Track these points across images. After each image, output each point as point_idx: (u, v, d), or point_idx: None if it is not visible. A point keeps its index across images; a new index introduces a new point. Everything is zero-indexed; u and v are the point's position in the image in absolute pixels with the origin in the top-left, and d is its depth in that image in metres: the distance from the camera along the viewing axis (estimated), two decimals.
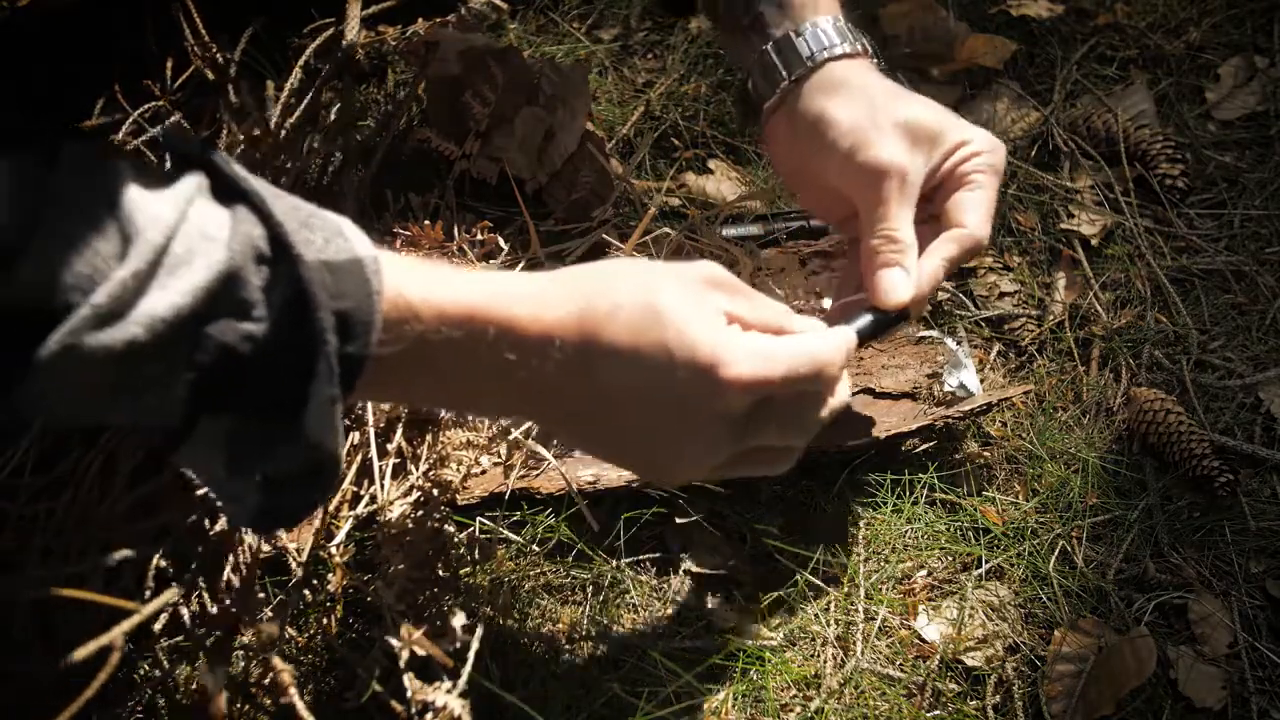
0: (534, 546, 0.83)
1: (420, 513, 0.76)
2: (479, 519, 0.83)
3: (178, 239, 0.49)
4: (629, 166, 1.11)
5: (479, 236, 0.90)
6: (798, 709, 0.79)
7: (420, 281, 0.56)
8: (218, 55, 0.86)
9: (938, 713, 0.79)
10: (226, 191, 0.52)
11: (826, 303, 0.95)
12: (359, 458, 0.79)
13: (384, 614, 0.69)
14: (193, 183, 0.51)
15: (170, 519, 0.71)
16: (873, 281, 0.76)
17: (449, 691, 0.65)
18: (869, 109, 0.78)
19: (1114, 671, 0.80)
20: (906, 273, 0.76)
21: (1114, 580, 0.86)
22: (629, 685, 0.79)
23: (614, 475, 0.84)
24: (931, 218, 0.79)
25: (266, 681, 0.69)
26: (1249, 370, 0.98)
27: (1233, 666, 0.82)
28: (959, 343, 0.95)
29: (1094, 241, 1.08)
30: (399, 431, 0.81)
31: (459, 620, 0.68)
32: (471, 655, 0.69)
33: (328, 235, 0.53)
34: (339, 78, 0.96)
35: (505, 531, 0.83)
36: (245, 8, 0.96)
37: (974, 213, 0.78)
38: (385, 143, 0.95)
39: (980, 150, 0.79)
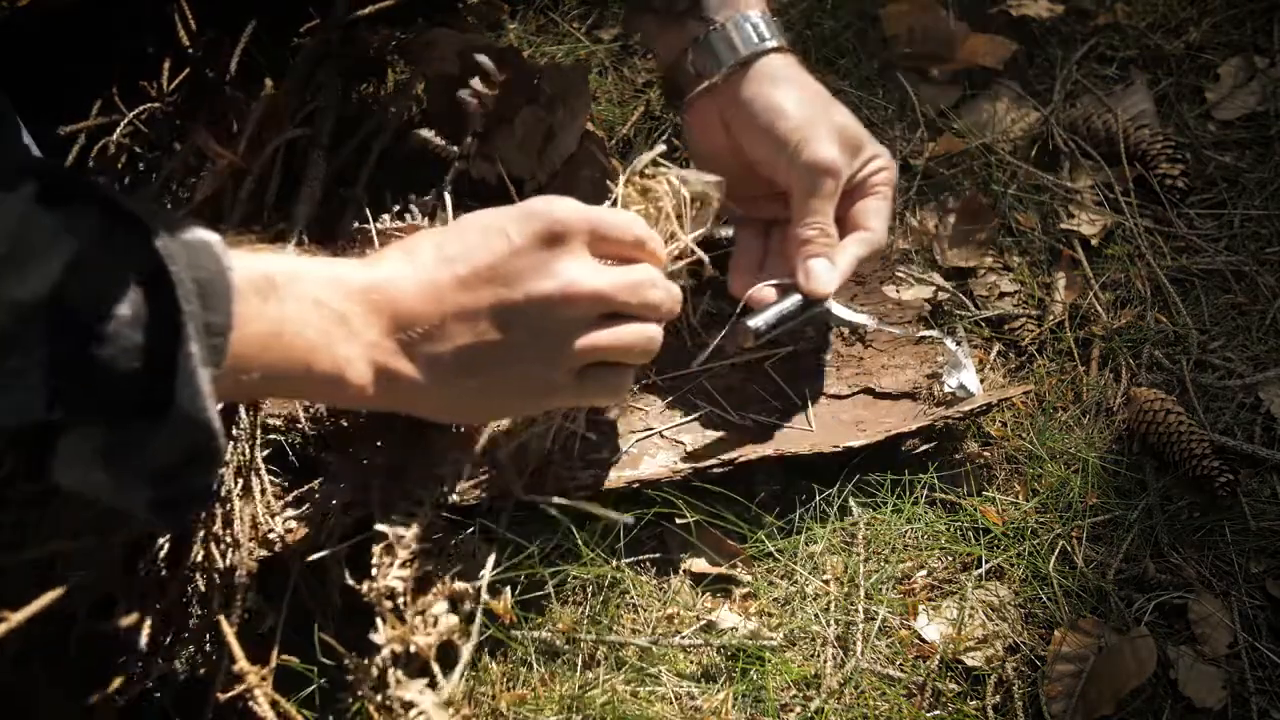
0: (534, 546, 0.83)
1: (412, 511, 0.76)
2: (479, 520, 0.83)
3: (24, 239, 0.49)
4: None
5: None
6: (798, 709, 0.79)
7: (268, 257, 0.60)
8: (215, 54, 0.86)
9: (938, 713, 0.79)
10: (64, 191, 0.52)
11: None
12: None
13: (377, 612, 0.70)
14: (31, 188, 0.51)
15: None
16: (804, 268, 0.84)
17: (422, 691, 0.66)
18: (812, 107, 0.84)
19: (1114, 671, 0.80)
20: (832, 265, 0.84)
21: (1114, 580, 0.86)
22: (629, 685, 0.79)
23: (613, 475, 0.84)
24: (838, 216, 0.86)
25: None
26: (1249, 370, 0.98)
27: (1233, 666, 0.82)
28: (959, 343, 0.94)
29: (1094, 241, 1.08)
30: (394, 434, 0.81)
31: (443, 614, 0.69)
32: (467, 653, 0.69)
33: (175, 220, 0.55)
34: (327, 59, 0.96)
35: (504, 531, 0.83)
36: (242, 7, 0.96)
37: (878, 218, 0.87)
38: (383, 142, 0.94)
39: (885, 165, 0.87)
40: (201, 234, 0.55)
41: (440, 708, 0.66)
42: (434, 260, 0.65)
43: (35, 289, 0.49)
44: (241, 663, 0.67)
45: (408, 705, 0.66)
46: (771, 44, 0.86)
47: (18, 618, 0.60)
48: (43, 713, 0.71)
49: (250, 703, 0.67)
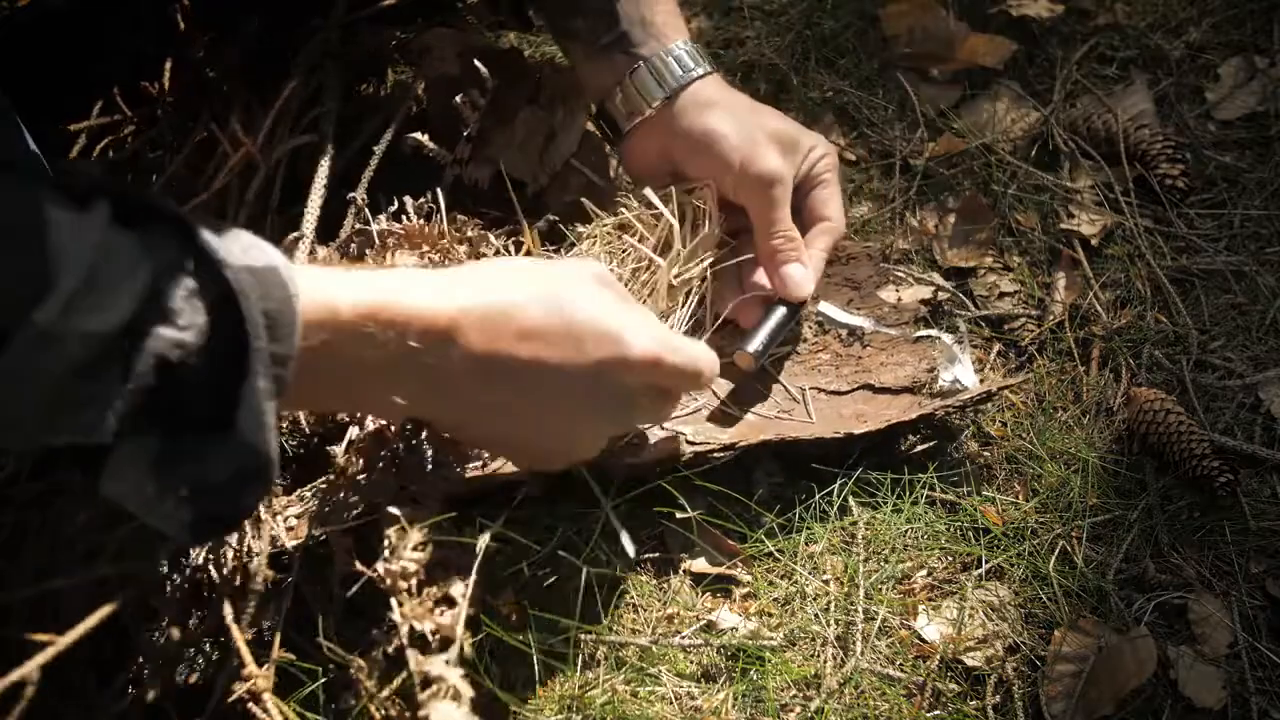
0: (534, 545, 0.83)
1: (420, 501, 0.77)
2: (479, 520, 0.83)
3: (104, 267, 0.49)
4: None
5: (469, 233, 0.90)
6: (798, 709, 0.79)
7: (333, 281, 0.60)
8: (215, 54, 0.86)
9: (938, 713, 0.79)
10: (138, 213, 0.53)
11: None
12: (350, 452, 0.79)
13: (387, 592, 0.70)
14: (106, 209, 0.51)
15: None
16: (780, 276, 0.88)
17: (447, 663, 0.66)
18: (745, 124, 0.88)
19: (1114, 671, 0.80)
20: (805, 267, 0.89)
21: (1114, 580, 0.86)
22: (629, 685, 0.79)
23: (613, 463, 0.84)
24: (793, 210, 0.90)
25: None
26: (1249, 370, 0.98)
27: (1233, 666, 0.82)
28: (958, 339, 0.95)
29: (1094, 241, 1.08)
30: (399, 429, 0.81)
31: (457, 589, 0.69)
32: (460, 621, 0.70)
33: (244, 245, 0.55)
34: (328, 59, 0.96)
35: (505, 531, 0.83)
36: (243, 7, 0.96)
37: (833, 206, 0.92)
38: (386, 145, 0.94)
39: (824, 152, 0.92)
40: (269, 257, 0.56)
41: (465, 680, 0.66)
42: (500, 331, 0.65)
43: (111, 321, 0.49)
44: (250, 667, 0.67)
45: (430, 680, 0.66)
46: (698, 72, 0.90)
47: (67, 640, 0.60)
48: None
49: (252, 705, 0.67)
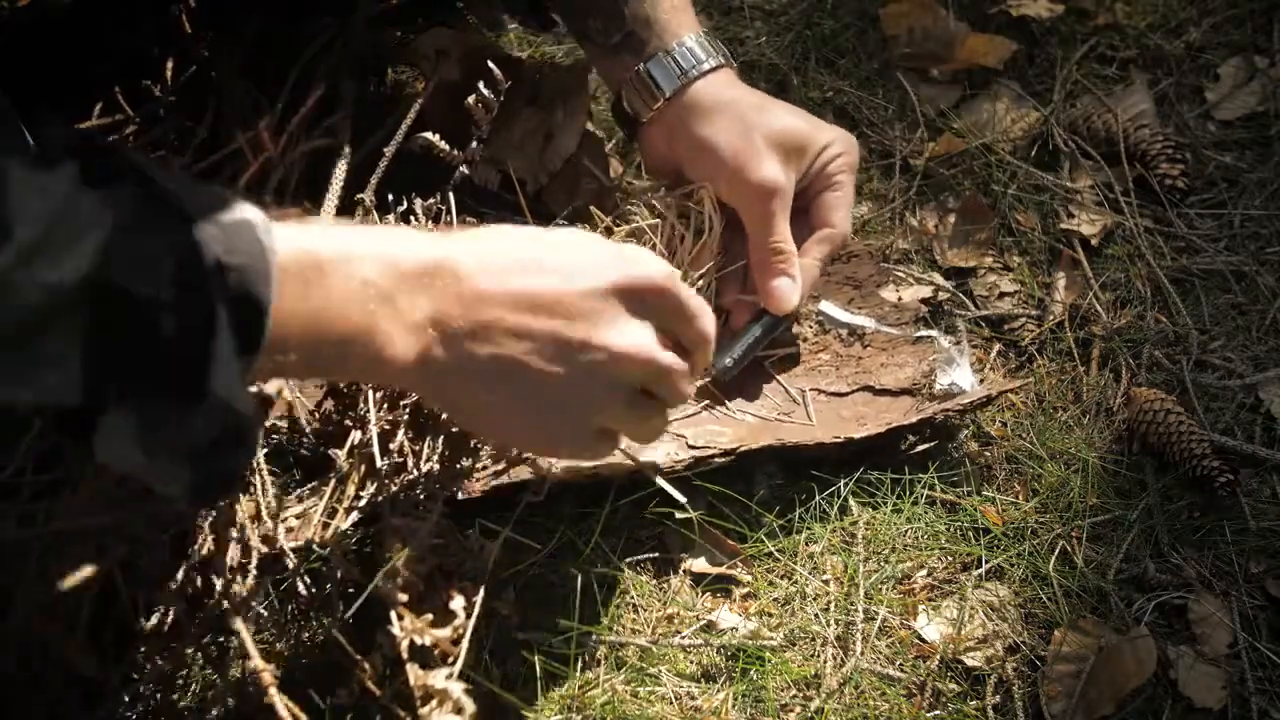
0: (534, 545, 0.83)
1: (421, 509, 0.77)
2: (479, 521, 0.83)
3: (62, 221, 0.48)
4: (629, 166, 1.12)
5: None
6: (798, 709, 0.79)
7: (316, 232, 0.57)
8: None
9: (938, 713, 0.79)
10: (106, 173, 0.51)
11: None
12: (355, 459, 0.79)
13: (386, 605, 0.69)
14: (73, 168, 0.50)
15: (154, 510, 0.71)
16: (767, 288, 0.87)
17: (449, 677, 0.65)
18: (743, 128, 0.86)
19: (1114, 671, 0.80)
20: (794, 280, 0.87)
21: (1114, 580, 0.86)
22: (629, 685, 0.79)
23: (614, 465, 0.84)
24: (799, 211, 0.88)
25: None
26: (1249, 370, 0.98)
27: (1233, 666, 0.82)
28: (956, 341, 0.95)
29: (1094, 241, 1.08)
30: (400, 432, 0.81)
31: (458, 603, 0.69)
32: (466, 636, 0.69)
33: (214, 200, 0.53)
34: (337, 60, 0.96)
35: (505, 531, 0.83)
36: (243, 6, 0.96)
37: (839, 212, 0.89)
38: (395, 145, 0.94)
39: (840, 151, 0.88)
40: (243, 212, 0.53)
41: (468, 696, 0.65)
42: (503, 266, 0.62)
43: (68, 272, 0.48)
44: (256, 659, 0.66)
45: (432, 695, 0.66)
46: (707, 65, 0.87)
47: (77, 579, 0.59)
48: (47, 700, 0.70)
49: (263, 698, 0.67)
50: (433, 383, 0.63)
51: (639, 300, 0.64)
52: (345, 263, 0.57)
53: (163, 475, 0.54)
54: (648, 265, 0.65)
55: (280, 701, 0.63)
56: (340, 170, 0.89)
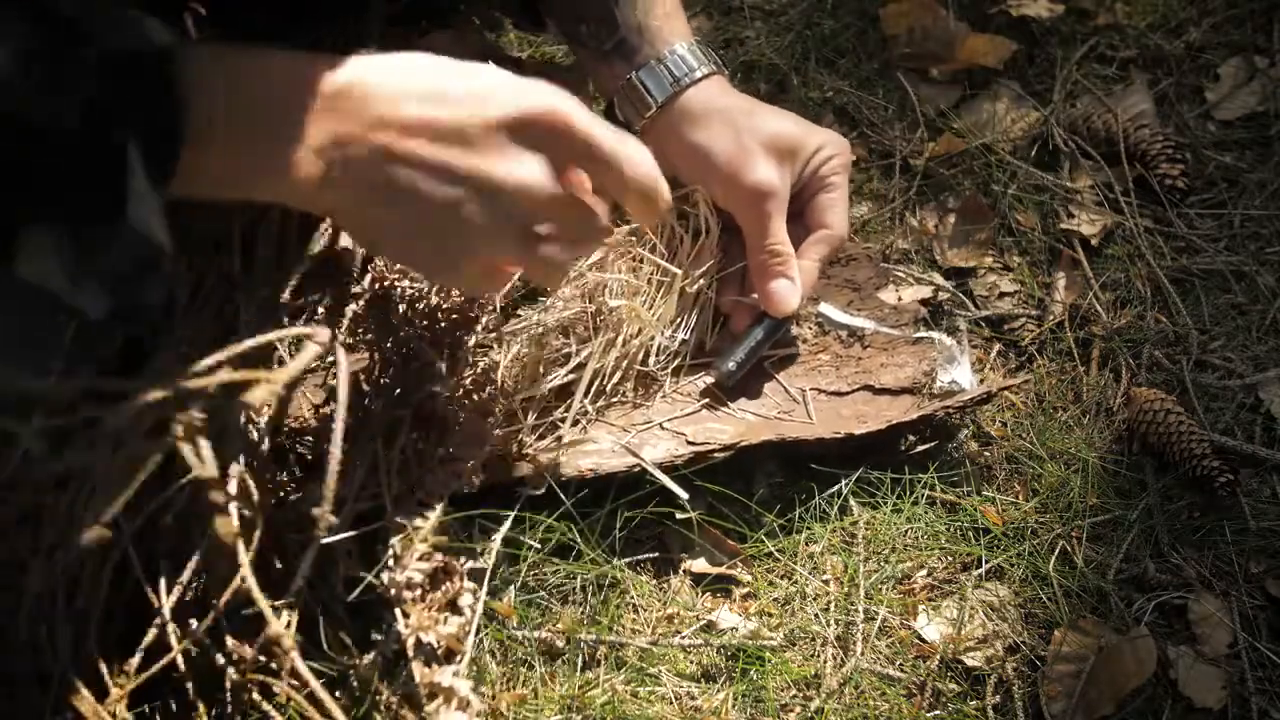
0: (534, 544, 0.83)
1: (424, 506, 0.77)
2: (479, 521, 0.83)
3: None
4: None
5: None
6: (798, 709, 0.79)
7: (230, 51, 0.58)
8: None
9: (938, 713, 0.79)
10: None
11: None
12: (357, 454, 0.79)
13: (391, 603, 0.70)
14: None
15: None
16: (766, 291, 0.88)
17: (455, 674, 0.65)
18: (736, 133, 0.86)
19: (1114, 671, 0.80)
20: (793, 281, 0.87)
21: (1114, 580, 0.86)
22: (629, 685, 0.79)
23: (615, 462, 0.84)
24: (794, 215, 0.89)
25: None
26: (1249, 370, 0.98)
27: (1233, 666, 0.82)
28: (956, 339, 0.95)
29: (1094, 241, 1.08)
30: (403, 431, 0.81)
31: (465, 599, 0.69)
32: (471, 633, 0.69)
33: (129, 23, 0.54)
34: None
35: (505, 531, 0.83)
36: (243, 6, 0.96)
37: (835, 213, 0.89)
38: None
39: (833, 153, 0.89)
40: (157, 37, 0.54)
41: (475, 693, 0.65)
42: (407, 92, 0.62)
43: None
44: (274, 625, 0.65)
45: (438, 692, 0.66)
46: (699, 73, 0.88)
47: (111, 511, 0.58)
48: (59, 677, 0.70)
49: (279, 670, 0.66)
50: (331, 201, 0.64)
51: (530, 134, 0.63)
52: (261, 76, 0.59)
53: (83, 298, 0.54)
54: (542, 97, 0.64)
55: (303, 666, 0.62)
56: None
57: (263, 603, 0.61)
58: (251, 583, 0.63)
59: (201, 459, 0.54)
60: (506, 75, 0.64)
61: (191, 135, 0.55)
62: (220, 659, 0.69)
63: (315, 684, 0.62)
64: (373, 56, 0.62)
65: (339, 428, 0.58)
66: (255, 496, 0.69)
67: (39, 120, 0.50)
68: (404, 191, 0.62)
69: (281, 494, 0.80)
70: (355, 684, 0.71)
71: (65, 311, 0.54)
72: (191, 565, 0.71)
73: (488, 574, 0.79)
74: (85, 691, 0.67)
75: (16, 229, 0.52)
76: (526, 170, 0.63)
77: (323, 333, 0.57)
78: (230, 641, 0.69)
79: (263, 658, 0.68)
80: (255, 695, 0.69)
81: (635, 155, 0.67)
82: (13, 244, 0.52)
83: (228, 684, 0.69)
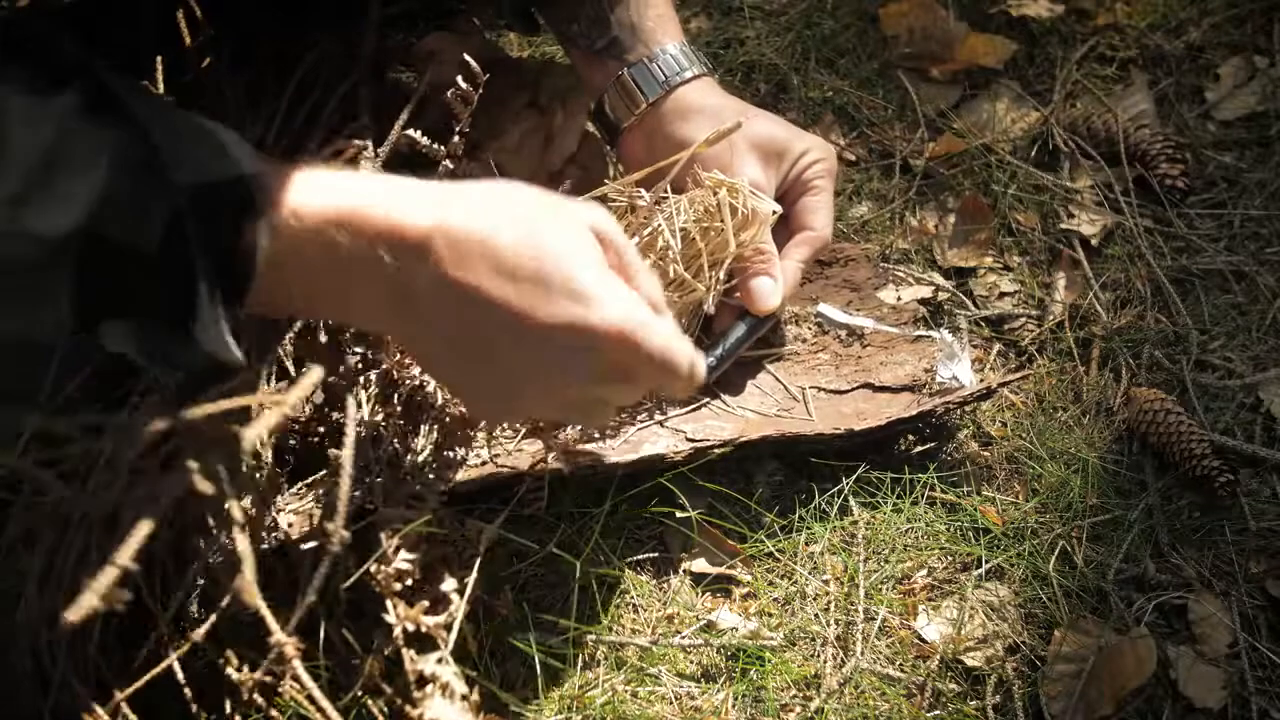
0: (533, 545, 0.83)
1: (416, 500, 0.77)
2: (475, 522, 0.83)
3: (56, 162, 0.49)
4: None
5: None
6: (798, 709, 0.79)
7: (306, 187, 0.58)
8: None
9: (938, 713, 0.79)
10: (106, 108, 0.52)
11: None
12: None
13: (382, 595, 0.70)
14: (72, 99, 0.51)
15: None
16: (748, 288, 0.87)
17: (440, 661, 0.66)
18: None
19: (1114, 671, 0.80)
20: (775, 280, 0.87)
21: (1114, 580, 0.86)
22: (629, 685, 0.79)
23: (614, 460, 0.84)
24: (779, 217, 0.89)
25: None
26: (1249, 370, 0.98)
27: (1233, 666, 0.82)
28: (956, 336, 0.95)
29: (1094, 241, 1.08)
30: (394, 424, 0.81)
31: (449, 584, 0.69)
32: (457, 622, 0.69)
33: (211, 152, 0.55)
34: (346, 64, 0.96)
35: (504, 532, 0.83)
36: (246, 6, 0.96)
37: (819, 215, 0.90)
38: (389, 144, 0.94)
39: (818, 158, 0.90)
40: (236, 166, 0.55)
41: (459, 678, 0.66)
42: (472, 259, 0.61)
43: (61, 225, 0.49)
44: (278, 634, 0.65)
45: (425, 680, 0.66)
46: (689, 73, 0.89)
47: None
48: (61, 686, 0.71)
49: (283, 678, 0.66)
50: (407, 338, 0.66)
51: (592, 350, 0.63)
52: (331, 228, 0.58)
53: (158, 375, 0.58)
54: (616, 312, 0.63)
55: (307, 677, 0.63)
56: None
57: (269, 616, 0.62)
58: (260, 605, 0.63)
59: (225, 494, 0.55)
60: (581, 261, 0.63)
61: (258, 273, 0.57)
62: (221, 663, 0.70)
63: (314, 688, 0.62)
64: (449, 212, 0.61)
65: (348, 454, 0.58)
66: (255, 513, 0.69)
67: (123, 239, 0.52)
68: (470, 341, 0.63)
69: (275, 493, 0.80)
70: (355, 683, 0.71)
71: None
72: (193, 568, 0.71)
73: (477, 562, 0.78)
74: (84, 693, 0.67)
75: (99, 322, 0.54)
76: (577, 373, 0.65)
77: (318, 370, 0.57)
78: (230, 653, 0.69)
79: (266, 675, 0.68)
80: (256, 696, 0.69)
81: (672, 354, 0.66)
82: (95, 330, 0.54)
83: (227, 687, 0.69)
